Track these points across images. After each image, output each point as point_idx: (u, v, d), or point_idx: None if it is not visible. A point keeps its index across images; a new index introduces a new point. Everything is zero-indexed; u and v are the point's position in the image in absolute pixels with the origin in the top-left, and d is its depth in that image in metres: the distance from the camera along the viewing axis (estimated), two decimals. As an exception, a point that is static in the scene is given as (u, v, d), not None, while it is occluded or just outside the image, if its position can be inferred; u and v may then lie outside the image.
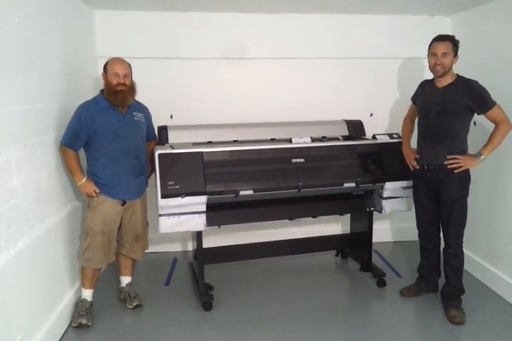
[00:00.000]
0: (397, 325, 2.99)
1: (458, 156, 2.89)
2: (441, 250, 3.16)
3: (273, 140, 3.48)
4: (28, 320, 2.41)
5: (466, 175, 2.96)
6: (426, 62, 3.01)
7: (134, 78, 2.95)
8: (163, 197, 2.90)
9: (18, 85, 2.33)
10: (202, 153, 3.00)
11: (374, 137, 3.41)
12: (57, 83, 2.90)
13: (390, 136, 3.40)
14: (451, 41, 2.86)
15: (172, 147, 3.06)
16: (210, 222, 3.09)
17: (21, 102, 2.36)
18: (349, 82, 4.13)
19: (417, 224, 3.27)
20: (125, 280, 3.28)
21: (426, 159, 3.03)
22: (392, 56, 4.09)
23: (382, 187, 3.32)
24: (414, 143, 3.21)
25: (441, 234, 3.14)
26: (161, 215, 2.95)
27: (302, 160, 3.16)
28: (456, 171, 2.90)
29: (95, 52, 3.75)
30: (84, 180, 2.84)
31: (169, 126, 3.35)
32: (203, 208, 3.00)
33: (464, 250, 3.06)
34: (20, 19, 2.37)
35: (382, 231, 4.26)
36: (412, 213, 3.30)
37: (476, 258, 3.64)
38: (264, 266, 3.88)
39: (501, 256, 3.37)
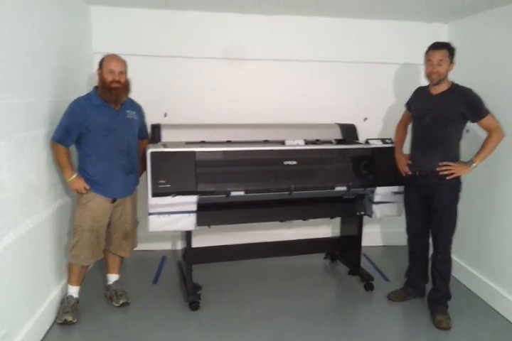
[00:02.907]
0: (384, 329, 2.99)
1: (450, 163, 2.91)
2: (430, 255, 3.17)
3: (266, 141, 3.47)
4: (11, 316, 2.39)
5: (457, 182, 2.97)
6: (422, 69, 3.03)
7: (129, 75, 2.94)
8: (153, 195, 2.89)
9: (10, 79, 2.31)
10: (194, 152, 3.00)
11: (367, 142, 3.42)
12: (51, 78, 2.88)
13: (383, 141, 3.41)
14: (448, 49, 2.87)
15: (165, 146, 3.05)
16: (200, 221, 3.07)
17: (14, 96, 2.34)
18: (344, 85, 4.14)
19: (407, 229, 3.29)
20: (112, 277, 3.27)
21: (418, 165, 3.04)
22: (388, 61, 4.10)
23: (373, 192, 3.33)
24: (406, 149, 3.22)
25: (430, 240, 3.15)
26: (151, 214, 2.94)
27: (295, 162, 3.16)
28: (447, 178, 2.91)
29: (91, 48, 3.72)
30: (74, 176, 2.82)
31: (162, 125, 3.33)
32: (194, 208, 2.99)
33: (453, 256, 3.08)
34: (15, 13, 2.35)
35: (371, 235, 4.27)
36: (402, 218, 3.32)
37: (463, 265, 3.66)
38: (253, 267, 3.88)
39: (488, 262, 3.40)
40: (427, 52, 2.93)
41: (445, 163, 2.91)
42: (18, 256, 2.43)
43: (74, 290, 3.01)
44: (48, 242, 2.88)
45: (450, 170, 2.90)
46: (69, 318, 2.89)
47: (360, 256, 3.69)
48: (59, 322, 2.89)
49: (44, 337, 2.76)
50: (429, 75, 2.91)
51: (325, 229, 4.32)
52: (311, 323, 3.03)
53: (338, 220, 3.98)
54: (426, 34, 3.94)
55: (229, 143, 3.37)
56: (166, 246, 4.25)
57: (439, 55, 2.86)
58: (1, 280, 2.27)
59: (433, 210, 3.03)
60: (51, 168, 2.87)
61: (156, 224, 2.96)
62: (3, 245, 2.25)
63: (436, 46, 2.89)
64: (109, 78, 2.80)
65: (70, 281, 3.01)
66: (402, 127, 3.35)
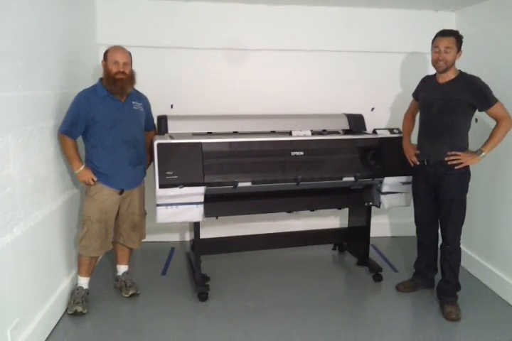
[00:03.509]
0: (393, 320, 2.99)
1: (458, 153, 2.88)
2: (439, 246, 3.16)
3: (273, 132, 3.47)
4: (23, 306, 2.42)
5: (466, 172, 2.95)
6: (429, 57, 2.99)
7: (135, 67, 2.94)
8: (161, 186, 2.90)
9: (16, 71, 2.32)
10: (201, 143, 3.00)
11: (374, 132, 3.40)
12: (56, 70, 2.89)
13: (391, 130, 3.39)
14: (455, 36, 2.84)
15: (171, 137, 3.06)
16: (208, 212, 3.08)
17: (20, 88, 2.34)
18: (351, 75, 4.11)
19: (415, 220, 3.27)
20: (122, 268, 3.29)
21: (426, 155, 3.02)
22: (395, 50, 4.06)
23: (381, 182, 3.32)
24: (414, 139, 3.19)
25: (439, 230, 3.13)
26: (158, 205, 2.95)
27: (302, 153, 3.15)
28: (456, 167, 2.88)
29: (96, 40, 3.72)
30: (82, 168, 2.84)
31: (169, 116, 3.33)
32: (201, 199, 3.00)
33: (462, 247, 3.06)
34: (19, 4, 2.34)
35: (380, 226, 4.26)
36: (411, 208, 3.30)
37: (473, 255, 3.64)
38: (261, 258, 3.88)
39: (498, 253, 3.37)
40: (434, 39, 2.90)
41: (453, 152, 2.89)
42: (28, 247, 2.45)
43: (84, 281, 3.04)
44: (57, 234, 2.91)
45: (458, 159, 2.87)
46: (79, 309, 2.91)
47: (369, 246, 3.69)
48: (69, 312, 2.92)
49: (55, 327, 2.79)
50: (435, 62, 2.88)
51: (333, 219, 4.32)
52: (320, 314, 3.03)
53: (345, 211, 3.97)
54: (433, 22, 3.88)
55: (235, 134, 3.38)
56: (174, 237, 4.26)
57: (446, 41, 2.82)
58: (12, 272, 2.29)
59: (441, 200, 3.00)
60: (59, 159, 2.89)
61: (164, 215, 2.97)
62: (13, 237, 2.27)
63: (443, 33, 2.86)
64: (113, 69, 2.80)
65: (79, 272, 3.04)
66: (409, 117, 3.33)
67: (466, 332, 2.87)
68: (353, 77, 4.11)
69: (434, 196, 3.07)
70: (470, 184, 2.98)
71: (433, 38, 2.91)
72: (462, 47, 2.88)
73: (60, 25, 2.97)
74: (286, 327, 2.88)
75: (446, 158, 2.90)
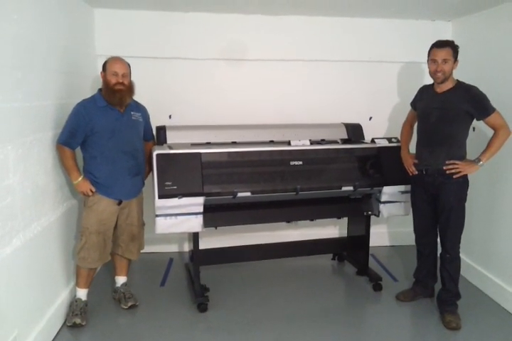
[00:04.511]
0: (393, 330, 2.97)
1: (457, 161, 2.89)
2: (438, 255, 3.15)
3: (272, 142, 3.48)
4: (22, 319, 2.40)
5: (464, 181, 2.95)
6: (426, 67, 3.01)
7: (134, 77, 2.96)
8: (160, 197, 2.90)
9: (16, 82, 2.32)
10: (200, 153, 3.00)
11: (373, 141, 3.42)
12: (55, 81, 2.89)
13: (389, 140, 3.41)
14: (451, 47, 2.86)
15: (170, 147, 3.06)
16: (207, 223, 3.07)
17: (19, 99, 2.35)
18: (349, 85, 4.13)
19: (414, 229, 3.27)
20: (120, 280, 3.27)
21: (424, 164, 3.03)
22: (393, 60, 4.09)
23: (380, 191, 3.32)
24: (412, 148, 3.20)
25: (439, 239, 3.13)
26: (157, 216, 2.94)
27: (300, 162, 3.16)
28: (454, 176, 2.89)
29: (94, 51, 3.74)
30: (80, 178, 2.84)
31: (168, 127, 3.34)
32: (200, 209, 2.99)
33: (461, 255, 3.05)
34: (19, 16, 2.35)
35: (379, 236, 4.26)
36: (410, 217, 3.30)
37: (472, 264, 3.64)
38: (260, 269, 3.87)
39: (498, 261, 3.37)
40: (430, 51, 2.92)
41: (452, 161, 2.90)
42: (27, 258, 2.44)
43: (82, 293, 3.02)
44: (55, 245, 2.89)
45: (457, 168, 2.88)
46: (78, 321, 2.89)
47: (368, 256, 3.69)
48: (68, 324, 2.90)
49: (53, 339, 2.76)
50: (433, 74, 2.90)
51: (332, 229, 4.31)
52: (320, 324, 3.01)
53: (345, 220, 3.97)
54: (430, 32, 3.92)
55: (234, 144, 3.38)
56: (173, 248, 4.25)
57: (444, 53, 2.84)
58: (10, 283, 2.27)
59: (440, 209, 3.01)
60: (58, 170, 2.88)
61: (163, 226, 2.97)
62: (12, 248, 2.26)
63: (439, 44, 2.87)
64: (112, 80, 2.82)
65: (78, 284, 3.02)
66: (407, 126, 3.34)
67: (466, 341, 2.87)
68: (351, 86, 4.14)
69: (432, 205, 3.07)
70: (468, 192, 2.99)
71: (429, 49, 2.93)
72: (458, 56, 2.90)
73: (60, 36, 2.99)
74: (286, 337, 2.86)
75: (444, 167, 2.91)
